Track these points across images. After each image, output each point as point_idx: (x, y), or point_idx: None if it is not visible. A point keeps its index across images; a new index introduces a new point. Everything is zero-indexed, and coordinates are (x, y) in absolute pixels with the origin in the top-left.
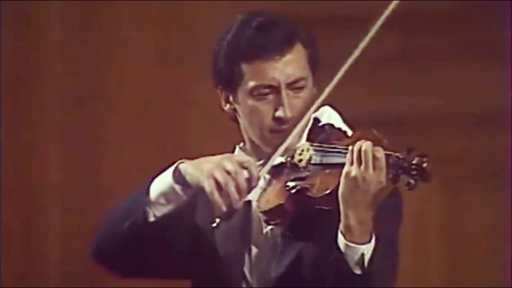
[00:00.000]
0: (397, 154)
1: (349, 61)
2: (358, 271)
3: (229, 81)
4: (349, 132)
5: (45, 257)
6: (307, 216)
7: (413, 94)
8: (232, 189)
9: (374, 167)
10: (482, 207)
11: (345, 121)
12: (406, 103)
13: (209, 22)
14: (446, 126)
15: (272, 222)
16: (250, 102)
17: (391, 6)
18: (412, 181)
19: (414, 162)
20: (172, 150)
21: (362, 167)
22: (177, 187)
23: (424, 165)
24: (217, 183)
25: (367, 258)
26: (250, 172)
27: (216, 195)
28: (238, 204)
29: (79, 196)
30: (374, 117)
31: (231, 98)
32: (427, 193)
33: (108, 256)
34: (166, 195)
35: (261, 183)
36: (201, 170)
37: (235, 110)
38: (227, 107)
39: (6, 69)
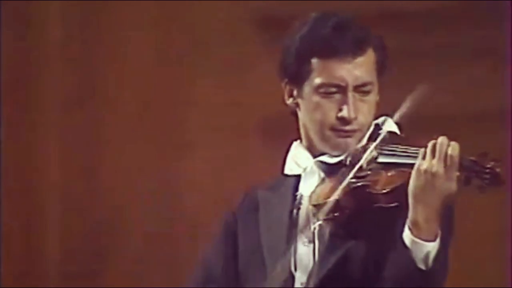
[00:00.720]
0: (471, 157)
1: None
2: (422, 267)
3: (297, 75)
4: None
5: (45, 257)
6: (361, 214)
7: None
8: None
9: (446, 162)
10: (482, 207)
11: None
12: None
13: (209, 22)
14: (446, 126)
15: (323, 217)
16: (316, 98)
17: None
18: (484, 185)
19: (488, 166)
20: (172, 150)
21: (435, 160)
22: None
23: (498, 169)
24: None
25: (432, 256)
26: None
27: None
28: None
29: (79, 196)
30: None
31: (295, 93)
32: None
33: None
34: None
35: (316, 179)
36: None
37: (297, 105)
38: (290, 101)
39: (5, 69)
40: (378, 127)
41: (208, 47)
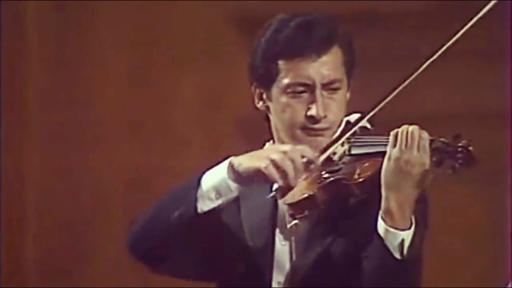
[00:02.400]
0: (441, 139)
1: (426, 64)
2: (397, 256)
3: (265, 78)
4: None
5: (23, 256)
6: (337, 208)
7: (412, 94)
8: (288, 164)
9: (418, 148)
10: (481, 207)
11: None
12: (405, 103)
13: (188, 42)
14: (445, 126)
15: (298, 216)
16: (284, 99)
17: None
18: (456, 165)
19: (460, 145)
20: (154, 149)
21: (407, 148)
22: (231, 183)
23: (470, 148)
24: (274, 162)
25: (406, 244)
26: (306, 155)
27: (273, 172)
28: (295, 182)
29: (57, 195)
30: (373, 118)
31: (264, 96)
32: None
33: (149, 246)
34: (219, 190)
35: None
36: (256, 156)
37: (267, 108)
38: (260, 104)
39: None
40: (349, 123)
41: (187, 68)
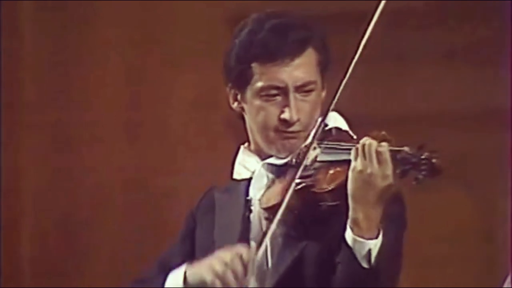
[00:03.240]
0: (406, 149)
1: (352, 65)
2: (365, 265)
3: (239, 80)
4: (355, 136)
5: (19, 256)
6: (310, 214)
7: (412, 94)
8: (229, 276)
9: (378, 162)
10: (482, 206)
11: (351, 127)
12: (405, 103)
13: (186, 43)
14: (445, 126)
15: (273, 220)
16: (257, 102)
17: (381, 6)
18: (420, 176)
19: (423, 156)
20: (150, 149)
21: (367, 161)
22: None
23: (434, 160)
24: (217, 275)
25: (374, 253)
26: (245, 258)
27: (218, 283)
28: (241, 284)
29: (53, 196)
30: (372, 118)
31: (239, 97)
32: (430, 194)
33: None
34: None
35: (264, 182)
36: (202, 267)
37: (242, 109)
38: (235, 105)
39: None
40: (324, 124)
41: (185, 68)
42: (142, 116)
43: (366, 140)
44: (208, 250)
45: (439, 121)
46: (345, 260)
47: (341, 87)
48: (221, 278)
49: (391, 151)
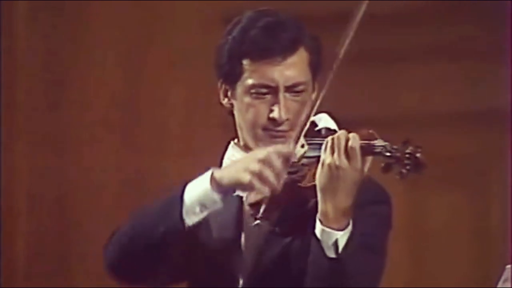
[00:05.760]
0: (389, 144)
1: (336, 64)
2: (331, 255)
3: (230, 76)
4: None
5: (12, 257)
6: (295, 210)
7: (412, 94)
8: (269, 173)
9: (348, 155)
10: (481, 206)
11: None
12: (404, 103)
13: (184, 43)
14: (446, 126)
15: (259, 215)
16: (247, 99)
17: (363, 6)
18: (404, 171)
19: (407, 151)
20: (144, 150)
21: (335, 154)
22: (215, 195)
23: (418, 155)
24: (256, 174)
25: (341, 243)
26: (283, 153)
27: (257, 183)
28: (279, 185)
29: (47, 197)
30: (370, 117)
31: (229, 93)
32: (426, 193)
33: (132, 264)
34: (204, 203)
35: None
36: (235, 169)
37: (232, 105)
38: (225, 101)
39: None
40: (314, 124)
41: (184, 67)
42: (139, 116)
43: (337, 133)
44: (205, 245)
45: (439, 121)
46: (313, 251)
47: (326, 87)
48: (259, 175)
49: (372, 145)
